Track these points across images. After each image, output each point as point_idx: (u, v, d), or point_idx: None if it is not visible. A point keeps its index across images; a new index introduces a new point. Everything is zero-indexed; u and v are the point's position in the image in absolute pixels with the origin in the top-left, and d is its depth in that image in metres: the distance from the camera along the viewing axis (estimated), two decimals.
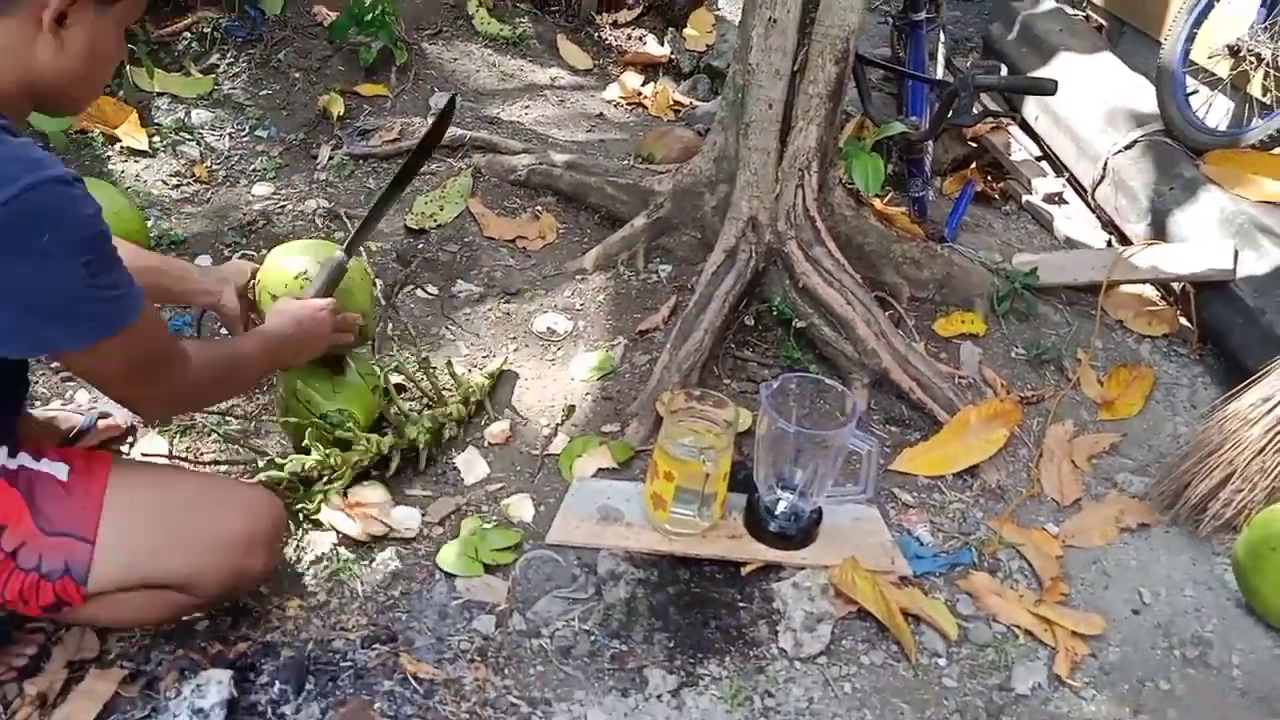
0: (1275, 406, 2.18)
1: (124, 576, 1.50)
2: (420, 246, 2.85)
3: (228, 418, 2.23)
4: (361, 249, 2.10)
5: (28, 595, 1.45)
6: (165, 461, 2.07)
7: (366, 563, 1.93)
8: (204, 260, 2.70)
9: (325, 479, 2.00)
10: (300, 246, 2.02)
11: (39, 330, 1.30)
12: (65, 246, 1.26)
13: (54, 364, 2.28)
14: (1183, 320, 2.86)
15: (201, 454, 2.12)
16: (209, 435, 2.16)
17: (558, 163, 3.12)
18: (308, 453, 2.00)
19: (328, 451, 1.99)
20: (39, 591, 1.45)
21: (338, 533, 1.96)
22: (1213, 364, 2.75)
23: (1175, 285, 2.90)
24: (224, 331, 2.32)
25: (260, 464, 2.01)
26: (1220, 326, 2.73)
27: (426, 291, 2.70)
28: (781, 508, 2.02)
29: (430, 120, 2.11)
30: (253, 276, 1.96)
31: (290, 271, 1.94)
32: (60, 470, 1.50)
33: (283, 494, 1.98)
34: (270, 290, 1.93)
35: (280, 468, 1.97)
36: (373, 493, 2.03)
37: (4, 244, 1.22)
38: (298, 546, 1.93)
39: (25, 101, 1.36)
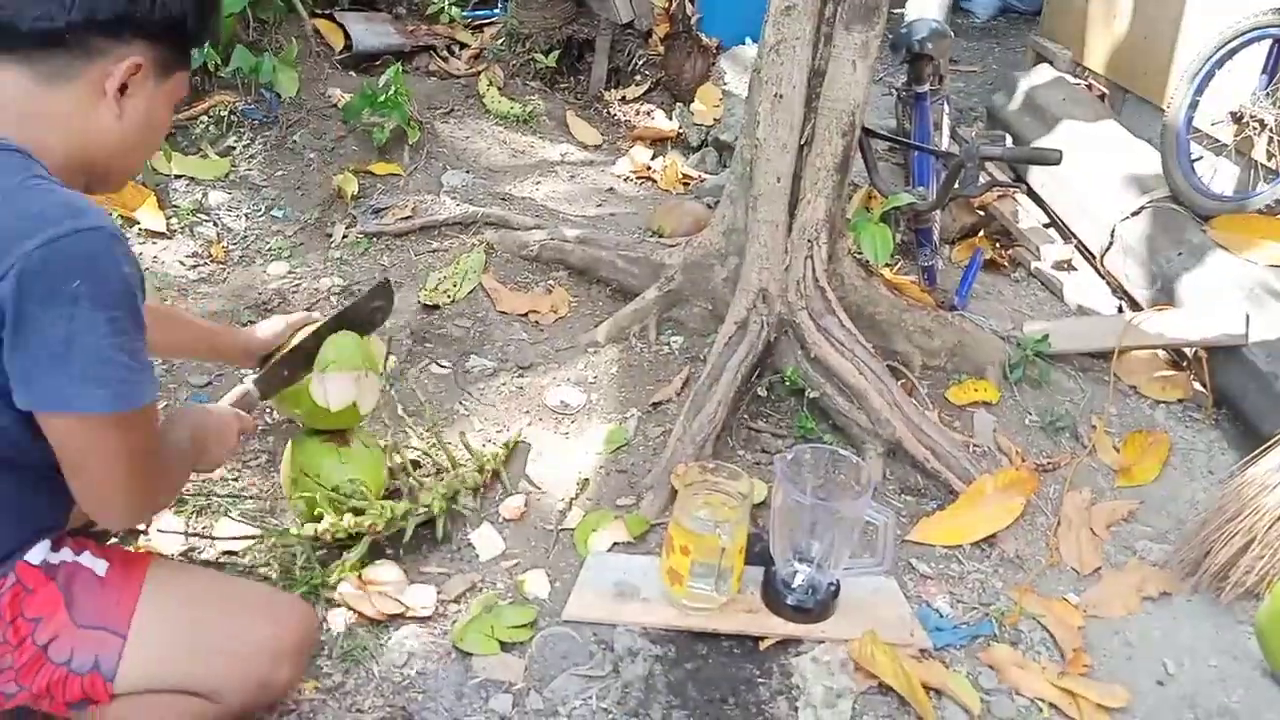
0: None
1: (151, 678, 1.48)
2: (434, 322, 2.87)
3: (243, 496, 2.23)
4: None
5: (55, 690, 1.44)
6: (194, 558, 2.07)
7: (382, 642, 1.92)
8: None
9: (342, 548, 2.00)
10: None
11: (57, 384, 1.27)
12: (94, 298, 1.26)
13: None
14: (1196, 385, 2.86)
15: (215, 531, 2.12)
16: (224, 514, 2.17)
17: (569, 237, 3.15)
18: (321, 520, 1.99)
19: (341, 517, 1.99)
20: (66, 686, 1.44)
21: (353, 611, 1.95)
22: (1228, 429, 2.74)
23: (1188, 350, 2.90)
24: None
25: (283, 543, 2.00)
26: (1234, 391, 2.73)
27: (440, 366, 2.72)
28: (799, 580, 2.01)
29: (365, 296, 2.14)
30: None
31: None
32: (99, 566, 1.50)
33: (300, 571, 1.98)
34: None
35: (297, 536, 1.97)
36: (387, 571, 2.03)
37: (37, 286, 1.23)
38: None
39: (78, 173, 1.39)
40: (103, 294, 1.27)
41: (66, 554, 1.50)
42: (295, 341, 2.02)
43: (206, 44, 1.55)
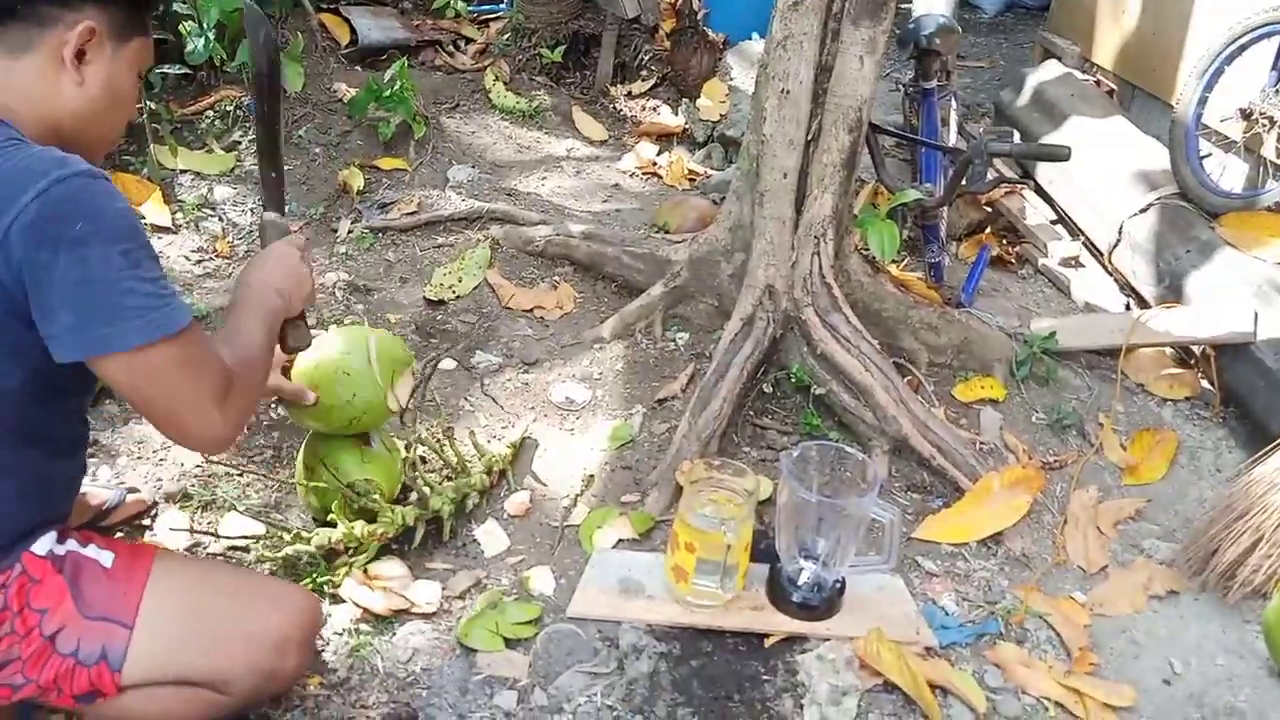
0: None
1: (159, 668, 1.49)
2: (439, 318, 2.87)
3: (248, 491, 2.23)
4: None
5: (62, 682, 1.44)
6: (200, 554, 2.08)
7: (387, 638, 1.92)
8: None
9: (350, 551, 2.00)
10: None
11: (91, 328, 1.29)
12: (100, 234, 1.29)
13: None
14: (1204, 383, 2.85)
15: (220, 528, 2.12)
16: (229, 510, 2.17)
17: (575, 233, 3.15)
18: (332, 525, 2.00)
19: (353, 524, 1.99)
20: (74, 678, 1.44)
21: (358, 607, 1.95)
22: (1236, 427, 2.73)
23: (1196, 348, 2.89)
24: None
25: (285, 538, 2.00)
26: (1242, 389, 2.72)
27: (447, 362, 2.72)
28: (804, 578, 2.00)
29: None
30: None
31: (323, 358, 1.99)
32: (106, 558, 1.51)
33: (305, 567, 1.98)
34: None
35: (306, 541, 1.97)
36: (393, 567, 2.03)
37: (41, 238, 1.26)
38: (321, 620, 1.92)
39: (51, 144, 1.39)
40: (107, 230, 1.30)
41: (72, 545, 1.50)
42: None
43: (160, 7, 1.57)
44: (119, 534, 2.07)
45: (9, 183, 1.27)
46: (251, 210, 3.26)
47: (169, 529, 2.08)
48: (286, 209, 1.87)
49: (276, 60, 1.81)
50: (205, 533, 2.10)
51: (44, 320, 1.29)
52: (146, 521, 2.12)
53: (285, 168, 1.92)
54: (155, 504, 2.16)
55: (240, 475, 2.28)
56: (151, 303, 1.32)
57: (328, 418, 2.01)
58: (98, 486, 2.11)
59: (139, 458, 2.30)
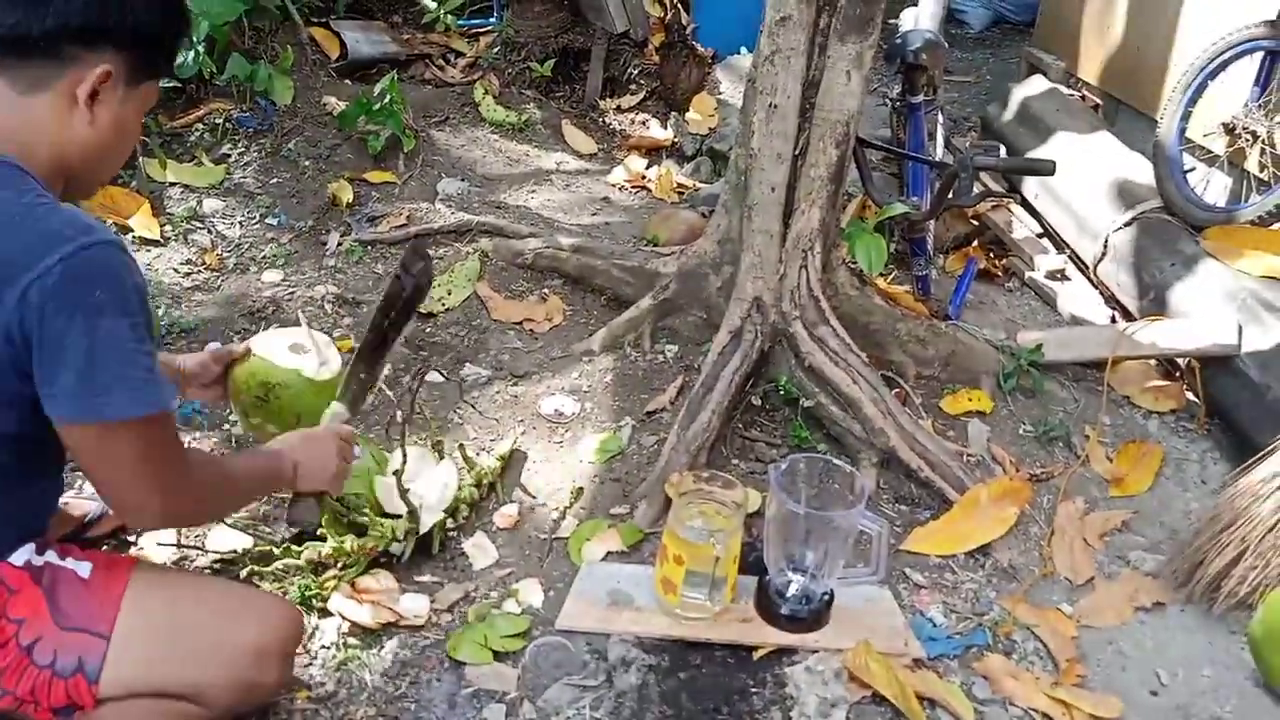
0: None
1: (136, 680, 1.48)
2: (428, 330, 2.87)
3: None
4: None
5: (39, 694, 1.44)
6: (186, 568, 2.07)
7: (374, 651, 1.91)
8: (213, 346, 2.71)
9: (339, 565, 2.00)
10: (279, 338, 2.05)
11: (89, 394, 1.33)
12: (116, 305, 1.33)
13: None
14: (1189, 395, 2.87)
15: (207, 541, 2.11)
16: (217, 523, 2.16)
17: (564, 246, 3.16)
18: (321, 539, 1.99)
19: (342, 538, 1.98)
20: (51, 689, 1.44)
21: (346, 620, 1.94)
22: (1221, 439, 2.75)
23: (1181, 361, 2.91)
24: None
25: (274, 551, 2.00)
26: (1227, 402, 2.74)
27: (436, 374, 2.72)
28: (793, 590, 2.01)
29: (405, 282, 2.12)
30: (234, 362, 1.98)
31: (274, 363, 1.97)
32: (83, 569, 1.50)
33: (292, 580, 1.98)
34: (254, 376, 1.94)
35: (296, 555, 1.96)
36: (381, 580, 2.03)
37: (60, 302, 1.30)
38: (307, 636, 1.92)
39: (58, 179, 1.44)
40: (122, 301, 1.34)
41: (51, 556, 1.50)
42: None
43: (178, 56, 1.61)
44: (104, 546, 2.06)
45: (35, 243, 1.31)
46: (241, 223, 3.26)
47: (156, 543, 2.07)
48: (349, 397, 1.95)
49: (425, 290, 1.99)
50: (192, 546, 2.09)
51: (45, 378, 1.33)
52: (131, 536, 2.11)
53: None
54: None
55: None
56: (145, 377, 1.37)
57: (280, 415, 1.98)
58: (80, 498, 2.10)
59: None
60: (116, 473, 1.42)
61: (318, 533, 2.00)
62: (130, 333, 1.34)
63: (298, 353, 2.01)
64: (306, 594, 1.96)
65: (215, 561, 2.06)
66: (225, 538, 2.11)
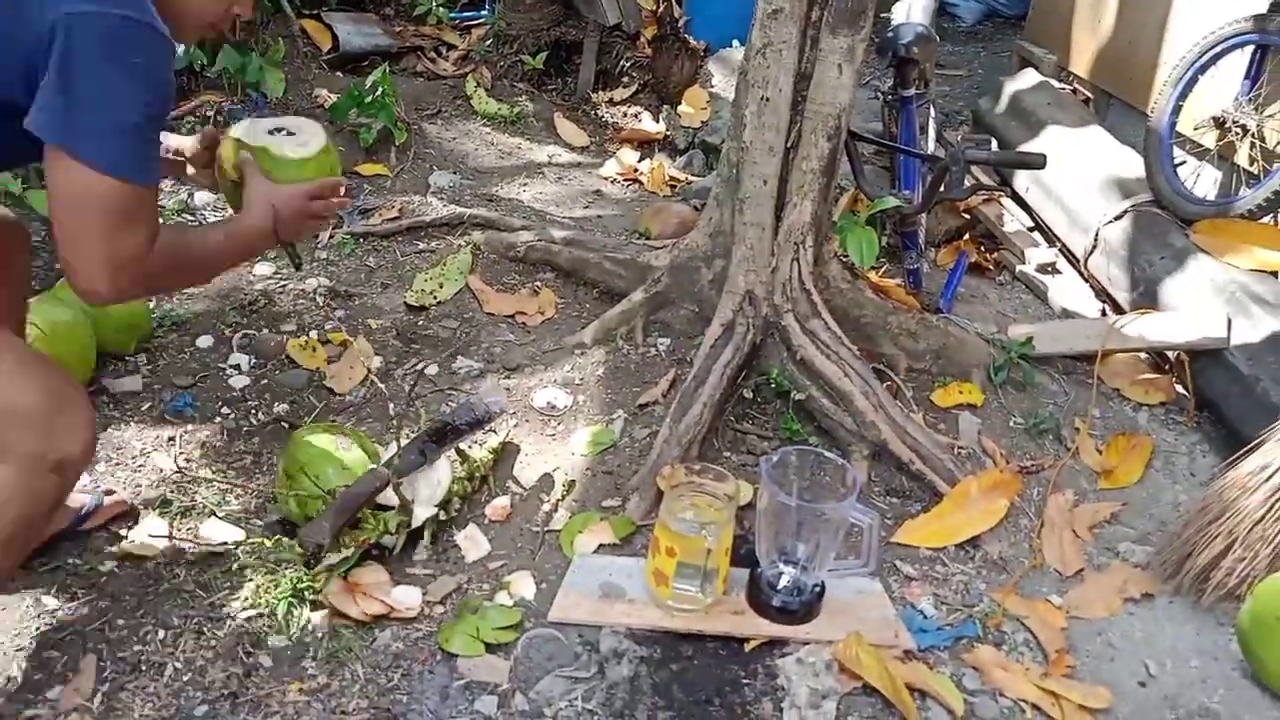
0: (1274, 474, 2.18)
1: None
2: (420, 323, 2.87)
3: (228, 497, 2.23)
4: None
5: None
6: (164, 540, 2.07)
7: (366, 643, 1.92)
8: (205, 340, 2.72)
9: (333, 557, 2.00)
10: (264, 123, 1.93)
11: (82, 126, 1.39)
12: (146, 80, 1.41)
13: None
14: (1179, 388, 2.88)
15: (200, 534, 2.12)
16: (209, 515, 2.16)
17: (556, 239, 3.16)
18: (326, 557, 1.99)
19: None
20: None
21: (337, 613, 1.95)
22: (1210, 431, 2.76)
23: (1170, 353, 2.92)
24: None
25: (267, 544, 2.00)
26: (1216, 394, 2.75)
27: (428, 367, 2.72)
28: (784, 582, 2.02)
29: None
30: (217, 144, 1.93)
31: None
32: None
33: (284, 572, 1.98)
34: (235, 154, 1.87)
35: (290, 548, 1.97)
36: (374, 572, 2.03)
37: (104, 44, 1.37)
38: (299, 628, 1.92)
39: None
40: (152, 82, 1.42)
41: None
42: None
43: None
44: (97, 540, 2.06)
45: None
46: None
47: (148, 535, 2.08)
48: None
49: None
50: (184, 539, 2.09)
51: (47, 91, 1.38)
52: (125, 529, 2.11)
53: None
54: (134, 508, 2.15)
55: (221, 480, 2.27)
56: (137, 148, 1.43)
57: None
58: (75, 490, 2.10)
59: (117, 464, 2.29)
60: (72, 222, 1.45)
61: (324, 554, 1.99)
62: (144, 109, 1.42)
63: (278, 133, 1.92)
64: (299, 586, 1.96)
65: (209, 554, 2.06)
66: (217, 530, 2.12)
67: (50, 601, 1.93)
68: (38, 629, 1.87)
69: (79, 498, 2.07)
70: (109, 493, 2.12)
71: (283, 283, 3.00)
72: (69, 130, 1.40)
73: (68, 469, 1.62)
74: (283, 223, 1.75)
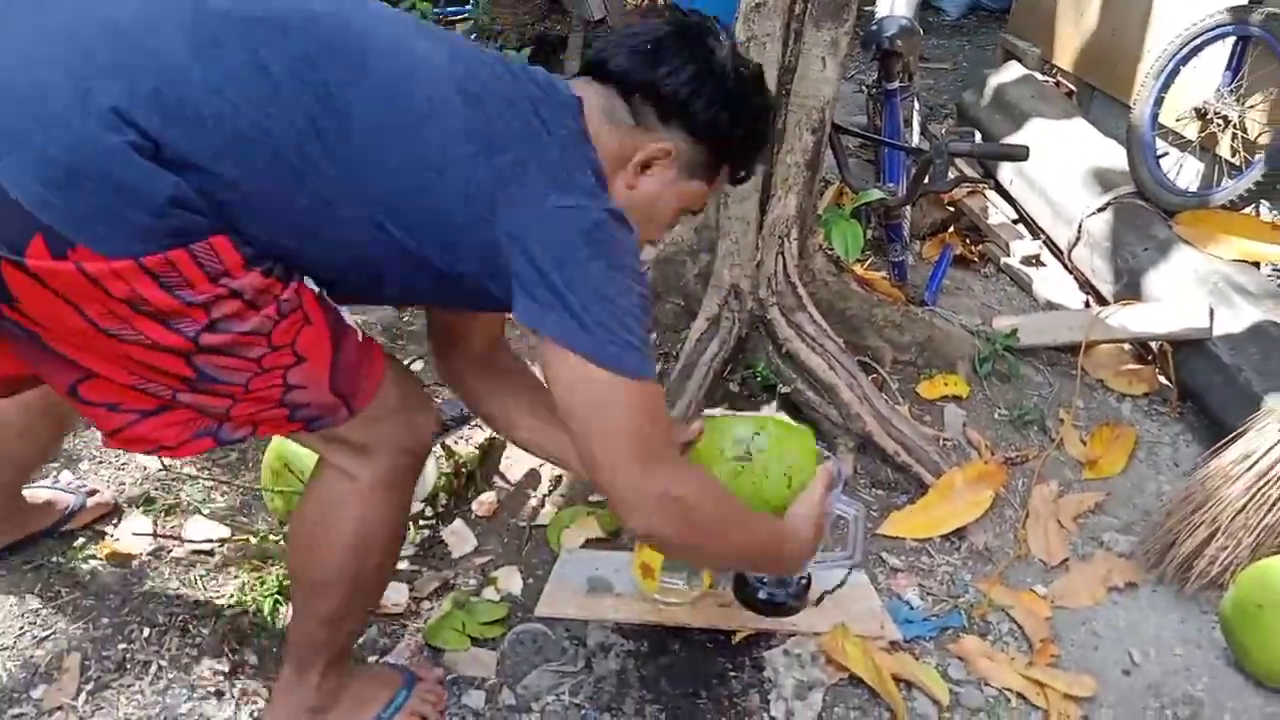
0: (1256, 463, 2.20)
1: None
2: (405, 319, 2.86)
3: (212, 496, 2.22)
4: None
5: (242, 416, 1.35)
6: (149, 538, 2.06)
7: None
8: None
9: None
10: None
11: (589, 327, 1.26)
12: (635, 276, 1.32)
13: None
14: (1162, 379, 2.89)
15: (184, 532, 2.11)
16: (194, 513, 2.16)
17: None
18: None
19: None
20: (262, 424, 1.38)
21: None
22: (1193, 421, 2.78)
23: (1153, 344, 2.94)
24: None
25: (252, 541, 2.00)
26: (1199, 385, 2.76)
27: (413, 364, 2.71)
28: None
29: None
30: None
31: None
32: (358, 331, 1.43)
33: (270, 569, 1.98)
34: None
35: (275, 544, 1.96)
36: None
37: (597, 243, 1.28)
38: (285, 624, 1.92)
39: None
40: (639, 279, 1.33)
41: (327, 300, 1.37)
42: None
43: (746, 175, 1.55)
44: (81, 539, 2.06)
45: (591, 176, 1.33)
46: None
47: (132, 533, 2.07)
48: None
49: None
50: (169, 536, 2.09)
51: (530, 282, 1.27)
52: (110, 527, 2.10)
53: None
54: (118, 506, 2.15)
55: (206, 477, 2.27)
56: (640, 342, 1.30)
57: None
58: (59, 490, 2.09)
59: (101, 462, 2.28)
60: (592, 421, 1.31)
61: None
62: (640, 302, 1.31)
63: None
64: (285, 583, 1.95)
65: (193, 552, 2.06)
66: (203, 528, 2.11)
67: (34, 601, 1.92)
68: (21, 628, 1.86)
69: (64, 498, 2.06)
70: (92, 492, 2.12)
71: None
72: (578, 335, 1.26)
73: (423, 456, 1.58)
74: (806, 540, 1.63)
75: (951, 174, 2.94)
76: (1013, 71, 4.40)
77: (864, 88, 4.05)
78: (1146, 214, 3.26)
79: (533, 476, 2.38)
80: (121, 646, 1.85)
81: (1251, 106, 3.28)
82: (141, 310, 1.15)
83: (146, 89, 1.11)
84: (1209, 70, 3.38)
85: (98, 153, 1.08)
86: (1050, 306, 3.35)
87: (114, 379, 1.23)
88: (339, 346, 1.35)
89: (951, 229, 3.77)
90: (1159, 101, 3.42)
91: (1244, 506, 2.16)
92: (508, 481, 2.36)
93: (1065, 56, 4.57)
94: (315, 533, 1.48)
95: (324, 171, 1.20)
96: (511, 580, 2.09)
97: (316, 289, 1.33)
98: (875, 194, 2.98)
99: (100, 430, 1.32)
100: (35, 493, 2.04)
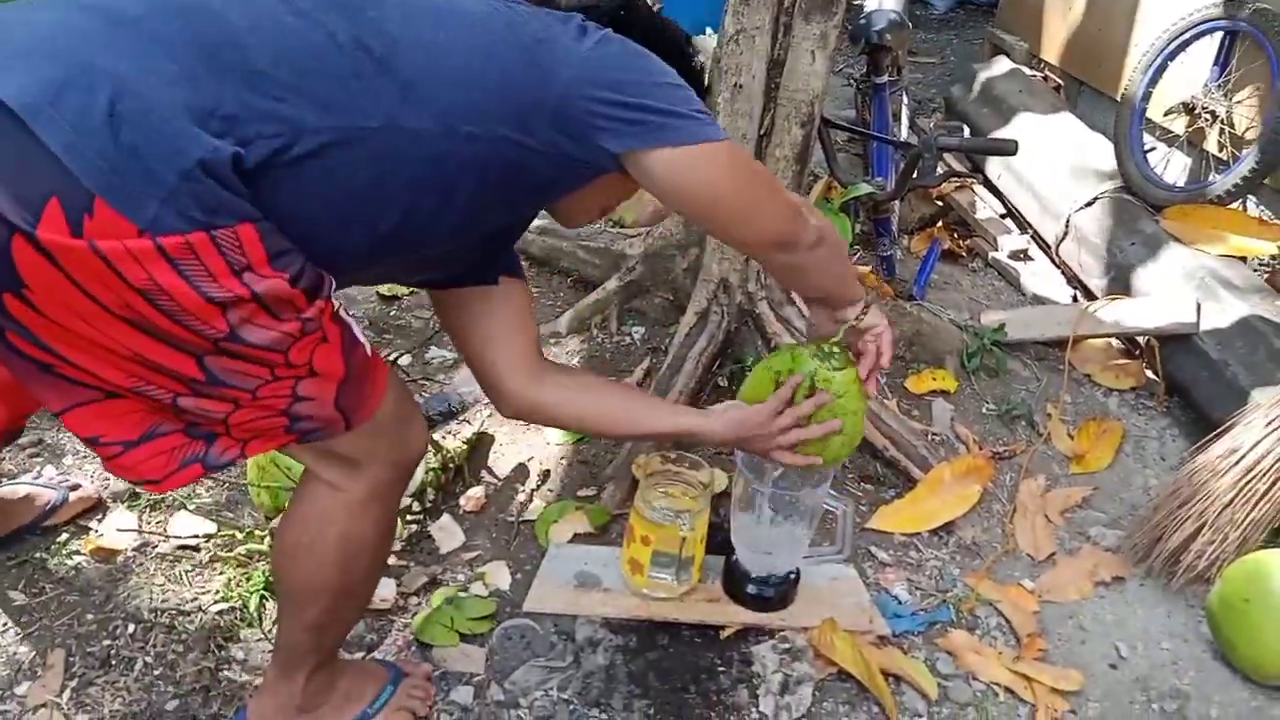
0: (1242, 458, 2.21)
1: None
2: (392, 314, 2.85)
3: (197, 491, 2.21)
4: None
5: (240, 428, 1.32)
6: (134, 534, 2.05)
7: None
8: None
9: None
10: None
11: (670, 124, 1.28)
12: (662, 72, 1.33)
13: (20, 441, 2.26)
14: (1149, 373, 2.90)
15: (170, 527, 2.10)
16: (179, 509, 2.14)
17: (530, 227, 3.13)
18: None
19: None
20: (259, 439, 1.35)
21: None
22: (1180, 416, 2.78)
23: (1141, 339, 2.94)
24: None
25: (238, 536, 1.99)
26: (1186, 379, 2.77)
27: (401, 358, 2.70)
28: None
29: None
30: None
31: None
32: (367, 344, 1.39)
33: (256, 565, 1.96)
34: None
35: (260, 540, 1.95)
36: None
37: (636, 50, 1.32)
38: (271, 621, 1.91)
39: None
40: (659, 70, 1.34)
41: (344, 313, 1.32)
42: None
43: None
44: (64, 535, 2.04)
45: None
46: None
47: (117, 529, 2.06)
48: None
49: None
50: (154, 532, 2.07)
51: (619, 124, 1.28)
52: (94, 523, 2.09)
53: None
54: (102, 501, 2.13)
55: None
56: (698, 111, 1.32)
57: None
58: (41, 485, 2.07)
59: (84, 456, 2.26)
60: (725, 201, 1.35)
61: None
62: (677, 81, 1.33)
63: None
64: (271, 579, 1.94)
65: (179, 547, 2.05)
66: (188, 524, 2.10)
67: (18, 597, 1.90)
68: (5, 624, 1.85)
69: (45, 494, 2.04)
70: (74, 487, 2.10)
71: None
72: (668, 132, 1.28)
73: (412, 469, 1.55)
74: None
75: (940, 168, 2.94)
76: (1000, 66, 4.41)
77: (852, 81, 4.05)
78: (1134, 209, 3.27)
79: (521, 471, 2.37)
80: (106, 643, 1.84)
81: (1239, 101, 3.29)
82: (159, 305, 1.09)
83: (203, 42, 1.11)
84: (1197, 65, 3.39)
85: (144, 93, 1.05)
86: (1038, 301, 3.35)
87: (110, 381, 1.18)
88: (349, 362, 1.31)
89: (940, 223, 3.77)
90: (1147, 96, 3.43)
91: (1231, 501, 2.17)
92: (496, 476, 2.35)
93: (1053, 51, 4.58)
94: (300, 544, 1.46)
95: (385, 90, 1.18)
96: (500, 575, 2.08)
97: (337, 303, 1.28)
98: (864, 188, 2.98)
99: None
100: (15, 488, 2.03)
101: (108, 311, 1.09)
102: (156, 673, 1.79)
